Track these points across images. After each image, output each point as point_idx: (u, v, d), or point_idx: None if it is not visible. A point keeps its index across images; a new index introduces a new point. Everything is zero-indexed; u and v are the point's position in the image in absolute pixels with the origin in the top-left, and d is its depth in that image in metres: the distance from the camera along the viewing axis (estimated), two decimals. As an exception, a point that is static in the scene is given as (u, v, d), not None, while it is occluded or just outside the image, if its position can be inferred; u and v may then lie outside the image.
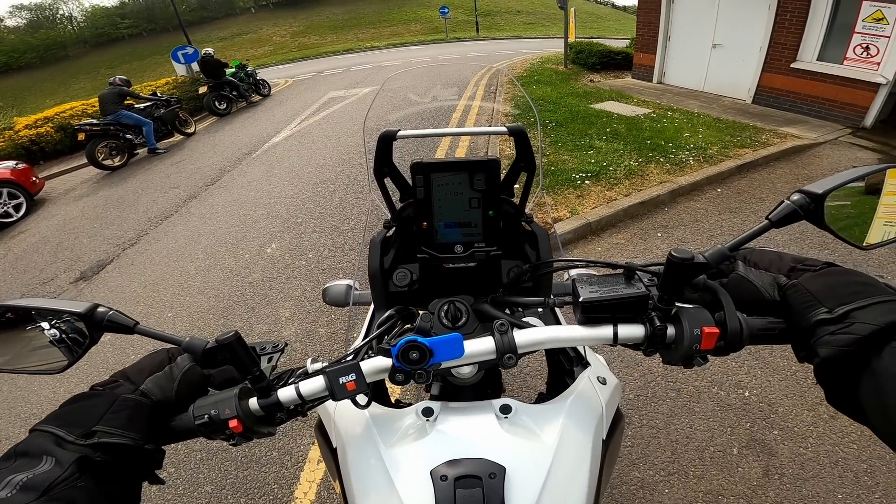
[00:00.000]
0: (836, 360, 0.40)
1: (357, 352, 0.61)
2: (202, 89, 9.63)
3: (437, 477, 0.49)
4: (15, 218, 6.05)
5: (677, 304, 0.51)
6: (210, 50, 9.90)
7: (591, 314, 0.52)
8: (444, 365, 0.52)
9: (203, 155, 7.27)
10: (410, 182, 0.71)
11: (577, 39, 11.45)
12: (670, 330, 0.50)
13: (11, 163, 6.57)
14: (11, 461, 0.41)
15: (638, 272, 0.54)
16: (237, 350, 0.50)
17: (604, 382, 0.67)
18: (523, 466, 0.51)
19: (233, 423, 0.50)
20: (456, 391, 0.74)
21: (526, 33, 29.80)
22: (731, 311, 0.48)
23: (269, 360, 0.62)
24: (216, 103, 9.58)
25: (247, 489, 1.96)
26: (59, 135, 8.69)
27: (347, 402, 0.53)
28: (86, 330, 0.52)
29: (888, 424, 0.37)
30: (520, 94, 8.08)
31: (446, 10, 26.66)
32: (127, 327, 0.52)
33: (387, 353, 0.51)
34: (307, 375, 0.56)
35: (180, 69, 11.76)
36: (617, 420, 0.66)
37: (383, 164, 0.80)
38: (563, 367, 0.77)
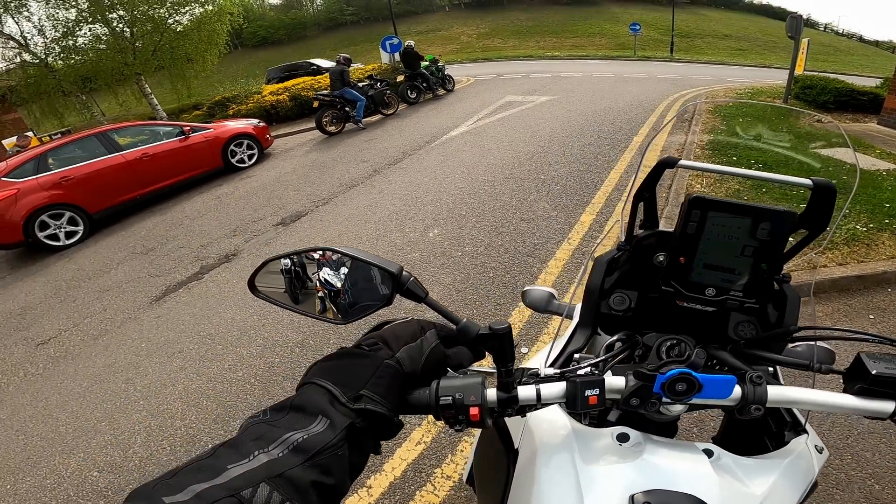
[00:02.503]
0: None
1: (597, 366, 0.61)
2: (399, 78, 10.76)
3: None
4: (247, 164, 7.81)
5: None
6: (412, 42, 10.92)
7: (876, 388, 0.51)
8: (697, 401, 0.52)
9: (391, 137, 8.16)
10: (680, 215, 0.69)
11: (806, 73, 9.64)
12: None
13: (255, 120, 8.47)
14: (284, 413, 0.41)
15: None
16: (505, 341, 0.52)
17: (821, 451, 0.66)
18: None
19: (474, 411, 0.49)
20: (642, 423, 0.70)
21: (732, 59, 26.30)
22: None
23: None
24: (408, 92, 10.63)
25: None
26: (292, 103, 10.78)
27: (547, 408, 0.53)
28: (390, 288, 0.55)
29: None
30: (720, 134, 7.16)
31: (638, 28, 24.84)
32: (419, 296, 0.54)
33: (649, 379, 0.50)
34: (540, 378, 0.56)
35: (385, 57, 13.33)
36: (813, 487, 0.64)
37: (647, 188, 0.79)
38: (764, 427, 0.72)
